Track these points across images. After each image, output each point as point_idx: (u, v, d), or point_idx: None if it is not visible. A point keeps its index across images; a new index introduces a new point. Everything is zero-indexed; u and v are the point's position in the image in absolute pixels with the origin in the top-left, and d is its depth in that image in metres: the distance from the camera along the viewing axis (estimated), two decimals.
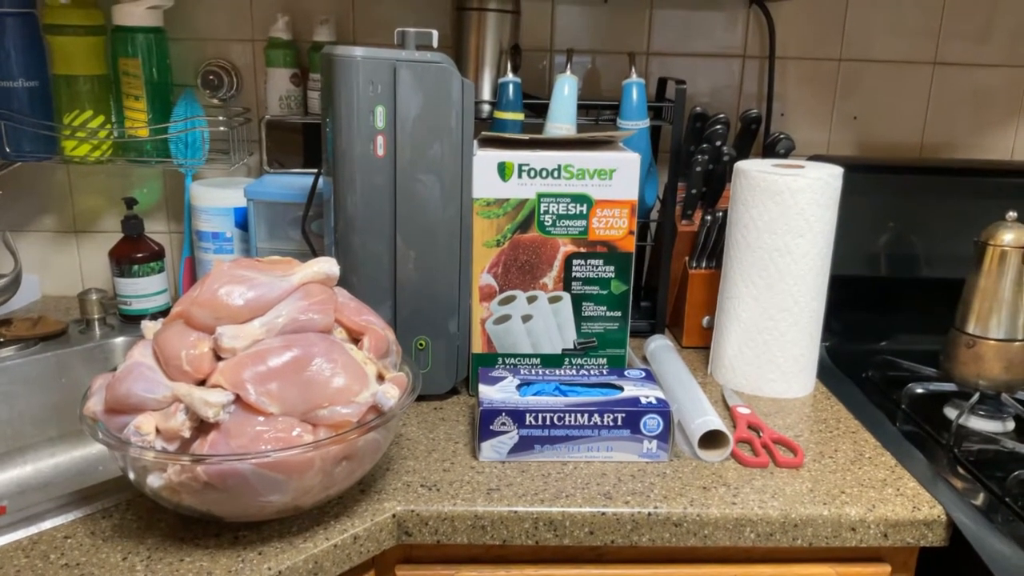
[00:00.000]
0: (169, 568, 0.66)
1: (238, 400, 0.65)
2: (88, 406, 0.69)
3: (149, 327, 0.73)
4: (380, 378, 0.74)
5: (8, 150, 1.12)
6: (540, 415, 0.83)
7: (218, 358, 0.68)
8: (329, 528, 0.72)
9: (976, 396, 0.96)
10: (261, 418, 0.66)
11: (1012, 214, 0.96)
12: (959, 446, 0.90)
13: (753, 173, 0.97)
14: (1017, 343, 0.95)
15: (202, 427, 0.66)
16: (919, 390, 1.02)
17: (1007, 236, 0.95)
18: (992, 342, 0.95)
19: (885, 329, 1.19)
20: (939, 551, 0.81)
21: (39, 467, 1.09)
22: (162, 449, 0.65)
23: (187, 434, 0.65)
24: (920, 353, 1.10)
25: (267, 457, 0.64)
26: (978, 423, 0.95)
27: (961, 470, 0.86)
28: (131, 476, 0.68)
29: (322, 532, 0.71)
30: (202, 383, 0.67)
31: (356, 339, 0.76)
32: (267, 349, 0.67)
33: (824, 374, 1.08)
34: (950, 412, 0.98)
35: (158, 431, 0.65)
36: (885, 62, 1.28)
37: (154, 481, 0.66)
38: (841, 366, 1.11)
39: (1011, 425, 0.95)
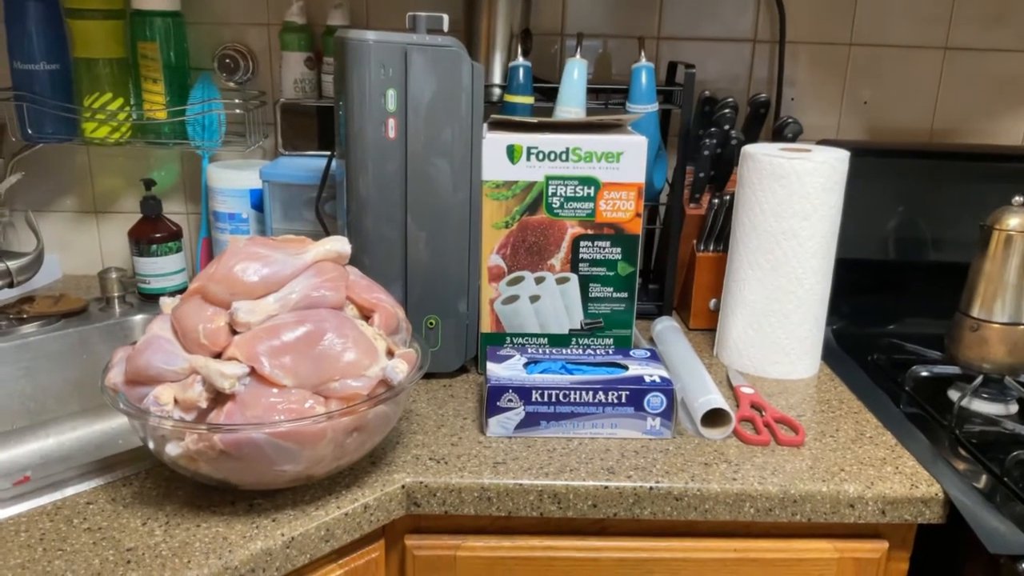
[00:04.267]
0: (187, 533, 0.69)
1: (253, 372, 0.68)
2: (109, 377, 0.71)
3: (167, 303, 0.76)
4: (390, 353, 0.76)
5: (30, 132, 1.14)
6: (546, 392, 0.85)
7: (234, 332, 0.70)
8: (341, 497, 0.74)
9: (980, 379, 0.97)
10: (275, 390, 0.68)
11: (1019, 199, 0.96)
12: (961, 427, 0.91)
13: (760, 156, 0.98)
14: (1021, 327, 0.95)
15: (218, 398, 0.68)
16: (923, 373, 1.03)
17: (1013, 221, 0.95)
18: (996, 326, 0.96)
19: (892, 312, 1.20)
20: (937, 528, 0.82)
21: (61, 440, 1.13)
22: (180, 419, 0.67)
23: (204, 405, 0.67)
24: (926, 336, 1.11)
25: (280, 427, 0.66)
26: (981, 405, 0.96)
27: (961, 451, 0.87)
28: (150, 445, 0.71)
29: (334, 501, 0.74)
30: (218, 356, 0.69)
31: (367, 316, 0.78)
32: (281, 324, 0.70)
33: (830, 356, 1.09)
34: (953, 394, 0.99)
35: (176, 401, 0.67)
36: (896, 47, 1.28)
37: (172, 450, 0.68)
38: (847, 349, 1.12)
39: (1014, 408, 0.96)
